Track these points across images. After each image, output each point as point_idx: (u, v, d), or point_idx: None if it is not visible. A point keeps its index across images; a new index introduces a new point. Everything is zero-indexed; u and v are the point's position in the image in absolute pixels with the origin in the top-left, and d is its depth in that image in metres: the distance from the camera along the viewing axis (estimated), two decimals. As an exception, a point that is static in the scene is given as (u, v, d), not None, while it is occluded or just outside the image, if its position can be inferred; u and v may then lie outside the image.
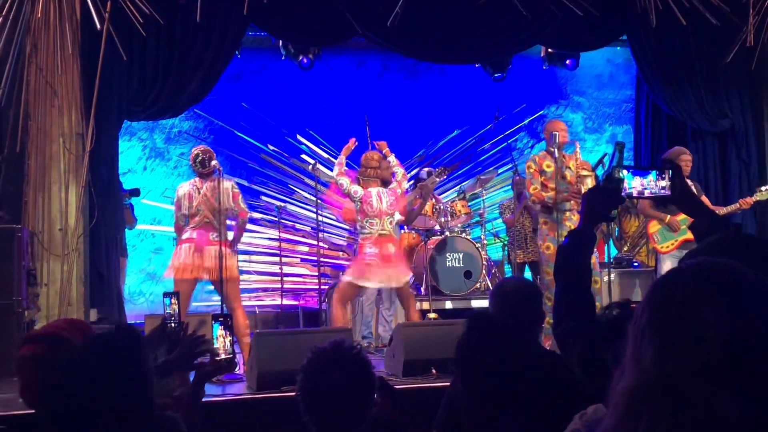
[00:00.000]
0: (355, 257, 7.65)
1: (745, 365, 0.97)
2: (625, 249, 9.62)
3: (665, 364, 1.00)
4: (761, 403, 0.95)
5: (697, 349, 0.99)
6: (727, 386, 0.96)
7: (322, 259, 8.90)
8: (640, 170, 2.30)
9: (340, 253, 10.61)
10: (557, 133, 7.39)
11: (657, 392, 0.99)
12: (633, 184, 2.28)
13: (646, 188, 2.30)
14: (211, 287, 7.19)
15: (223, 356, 2.94)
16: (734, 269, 1.08)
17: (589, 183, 7.47)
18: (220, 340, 2.96)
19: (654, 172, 2.30)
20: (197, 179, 6.92)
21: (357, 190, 7.52)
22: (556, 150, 7.40)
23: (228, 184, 7.04)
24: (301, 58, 9.84)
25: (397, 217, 7.80)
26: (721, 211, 7.77)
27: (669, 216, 7.74)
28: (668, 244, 7.79)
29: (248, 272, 10.23)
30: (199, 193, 6.83)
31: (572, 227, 7.98)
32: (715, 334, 0.99)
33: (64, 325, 2.81)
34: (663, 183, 2.30)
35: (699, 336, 1.00)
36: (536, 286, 3.67)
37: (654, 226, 7.92)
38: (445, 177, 9.95)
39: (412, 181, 10.42)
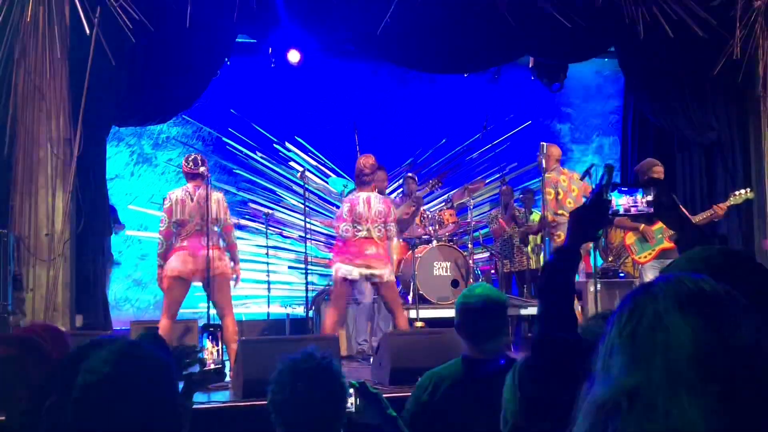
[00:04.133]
0: (337, 254, 7.56)
1: (712, 378, 0.99)
2: (610, 260, 9.66)
3: (633, 377, 1.02)
4: (727, 415, 0.97)
5: (665, 362, 1.01)
6: (694, 399, 0.98)
7: (309, 267, 8.89)
8: (627, 189, 2.34)
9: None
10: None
11: (624, 404, 1.01)
12: (620, 202, 2.31)
13: (632, 206, 2.34)
14: (202, 293, 7.12)
15: (211, 366, 2.94)
16: (704, 284, 1.10)
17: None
18: (209, 350, 2.95)
19: (640, 190, 2.34)
20: (189, 185, 6.85)
21: (347, 209, 7.47)
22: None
23: (218, 195, 7.02)
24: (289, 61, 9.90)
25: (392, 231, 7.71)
26: (696, 218, 7.81)
27: (643, 225, 7.79)
28: (645, 254, 7.85)
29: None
30: (192, 200, 6.77)
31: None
32: (682, 348, 1.02)
33: (38, 330, 2.82)
34: (648, 201, 2.34)
35: (667, 349, 1.02)
36: (501, 296, 3.66)
37: (630, 238, 7.99)
38: (437, 188, 9.95)
39: (400, 190, 10.45)
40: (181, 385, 2.97)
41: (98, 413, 1.64)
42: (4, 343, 2.82)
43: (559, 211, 8.28)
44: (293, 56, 9.58)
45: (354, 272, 7.31)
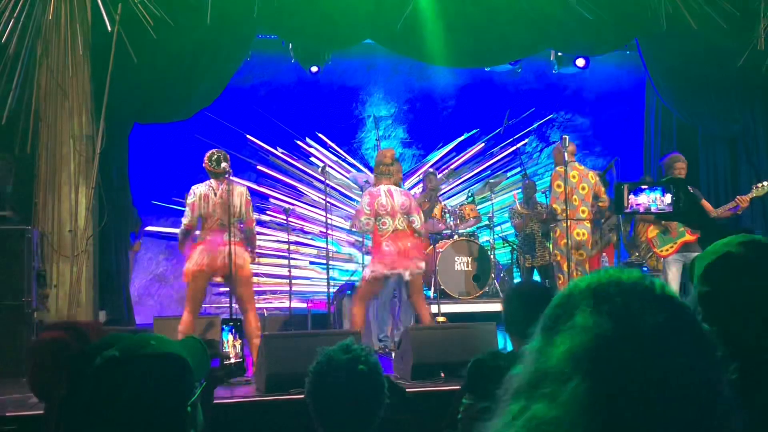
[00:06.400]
0: (373, 253, 7.51)
1: (606, 369, 0.98)
2: (636, 255, 9.59)
3: (535, 365, 1.04)
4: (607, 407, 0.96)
5: (565, 351, 1.01)
6: (585, 386, 0.98)
7: (330, 262, 8.90)
8: (648, 187, 2.32)
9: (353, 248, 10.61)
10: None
11: (525, 390, 1.02)
12: (639, 200, 2.29)
13: (652, 204, 2.31)
14: (224, 288, 7.15)
15: (233, 360, 2.94)
16: (622, 276, 1.08)
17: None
18: (230, 344, 2.95)
19: (660, 188, 2.32)
20: (212, 181, 6.86)
21: (366, 201, 7.43)
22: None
23: (242, 189, 7.01)
24: (309, 67, 9.99)
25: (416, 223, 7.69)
26: (718, 210, 7.76)
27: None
28: (667, 247, 7.80)
29: (257, 275, 10.23)
30: (215, 195, 6.78)
31: (579, 232, 8.02)
32: (581, 338, 1.02)
33: (82, 322, 3.03)
34: (668, 199, 2.31)
35: (570, 338, 1.02)
36: (550, 289, 3.64)
37: (652, 232, 7.94)
38: (451, 177, 9.88)
39: (420, 186, 10.43)
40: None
41: (98, 405, 1.63)
42: (53, 328, 3.04)
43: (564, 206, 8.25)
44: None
45: (398, 271, 7.28)
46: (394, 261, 7.25)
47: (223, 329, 3.02)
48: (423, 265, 7.48)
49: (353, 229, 7.52)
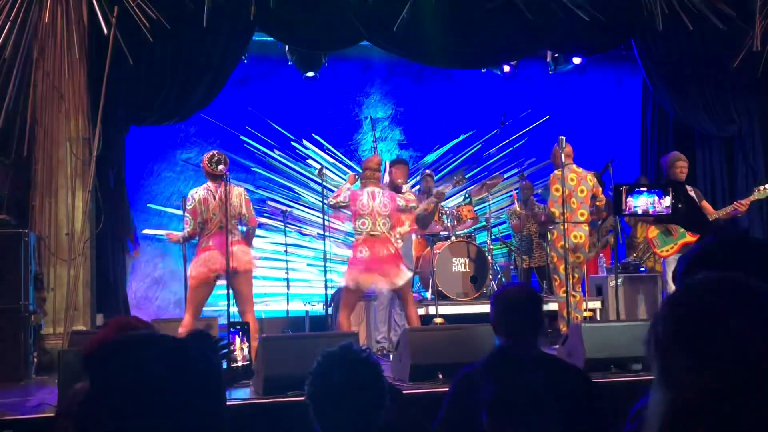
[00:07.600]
0: (350, 258, 7.55)
1: None
2: (634, 255, 9.58)
3: (701, 378, 0.98)
4: None
5: (732, 362, 0.97)
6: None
7: (328, 264, 8.88)
8: (647, 190, 2.33)
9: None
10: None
11: (696, 410, 0.96)
12: (638, 202, 2.31)
13: (650, 207, 2.33)
14: (222, 291, 7.12)
15: (240, 363, 2.94)
16: (742, 281, 1.06)
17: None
18: (238, 347, 2.95)
19: (658, 191, 2.34)
20: (210, 183, 6.83)
21: (345, 196, 7.45)
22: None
23: (240, 190, 6.99)
24: (306, 72, 10.00)
25: (405, 228, 7.76)
26: (718, 213, 7.75)
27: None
28: (668, 248, 7.79)
29: (255, 277, 10.20)
30: (215, 198, 6.75)
31: (577, 234, 7.98)
32: (746, 346, 0.98)
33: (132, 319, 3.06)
34: (666, 202, 2.33)
35: (732, 348, 0.98)
36: (536, 292, 3.65)
37: (653, 232, 7.93)
38: (462, 184, 9.81)
39: (417, 186, 10.43)
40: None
41: (140, 413, 1.61)
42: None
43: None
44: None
45: (366, 287, 7.25)
46: (367, 274, 7.18)
47: (230, 332, 3.03)
48: (403, 277, 7.33)
49: (329, 204, 7.60)
